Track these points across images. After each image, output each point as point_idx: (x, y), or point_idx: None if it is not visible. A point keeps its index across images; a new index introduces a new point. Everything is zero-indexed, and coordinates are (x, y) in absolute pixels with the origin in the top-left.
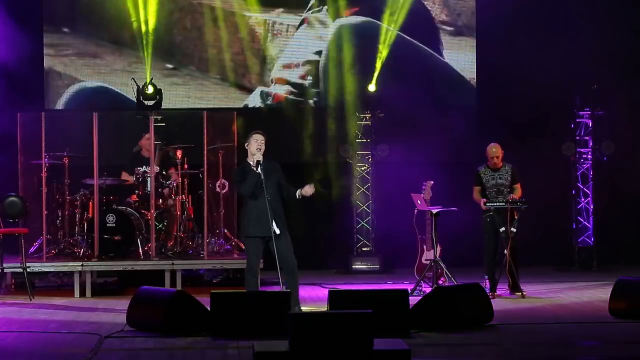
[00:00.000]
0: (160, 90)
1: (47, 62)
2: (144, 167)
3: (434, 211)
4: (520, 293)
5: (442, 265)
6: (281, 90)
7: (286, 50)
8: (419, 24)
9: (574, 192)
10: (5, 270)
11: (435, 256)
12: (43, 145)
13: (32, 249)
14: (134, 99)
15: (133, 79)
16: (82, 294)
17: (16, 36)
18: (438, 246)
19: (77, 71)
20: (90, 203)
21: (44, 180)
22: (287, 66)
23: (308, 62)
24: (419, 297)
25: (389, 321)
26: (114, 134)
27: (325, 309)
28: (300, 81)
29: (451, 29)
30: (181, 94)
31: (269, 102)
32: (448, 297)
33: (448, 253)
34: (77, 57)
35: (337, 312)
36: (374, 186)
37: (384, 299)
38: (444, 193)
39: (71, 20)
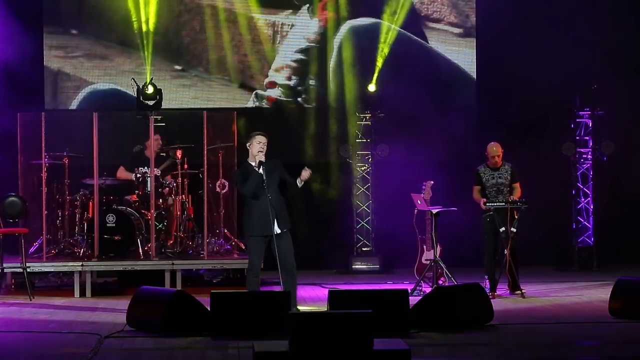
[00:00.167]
0: (160, 90)
1: (56, 64)
2: (145, 167)
3: (434, 211)
4: (520, 293)
5: (442, 265)
6: (273, 93)
7: (280, 52)
8: (419, 24)
9: (574, 192)
10: (5, 270)
11: (435, 256)
12: (43, 145)
13: (32, 249)
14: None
15: (133, 78)
16: (82, 294)
17: (16, 36)
18: (438, 246)
19: (86, 73)
20: (90, 203)
21: (44, 180)
22: (278, 69)
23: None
24: (419, 297)
25: (389, 321)
26: (114, 134)
27: (325, 309)
28: (287, 82)
29: (451, 29)
30: (189, 95)
31: (264, 104)
32: (448, 297)
33: (448, 253)
34: (86, 58)
35: (337, 312)
36: (374, 186)
37: (384, 299)
38: (444, 193)
39: (79, 22)
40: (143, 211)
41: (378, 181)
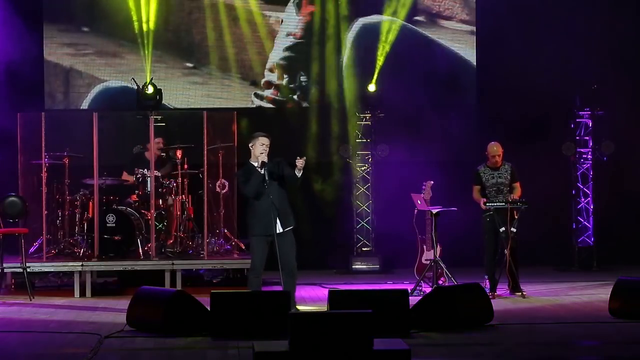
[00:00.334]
0: (160, 90)
1: (68, 62)
2: (146, 169)
3: (434, 211)
4: (520, 293)
5: (442, 265)
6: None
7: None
8: (419, 24)
9: (574, 192)
10: (5, 270)
11: (435, 256)
12: (43, 145)
13: (32, 249)
14: (170, 104)
15: (133, 78)
16: (82, 294)
17: (16, 35)
18: (438, 246)
19: (98, 71)
20: (90, 203)
21: (44, 180)
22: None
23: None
24: (419, 297)
25: (389, 321)
26: (114, 134)
27: (325, 309)
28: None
29: (452, 29)
30: (200, 93)
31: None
32: (448, 297)
33: (448, 253)
34: (97, 56)
35: (337, 312)
36: (374, 186)
37: (384, 299)
38: (444, 193)
39: (92, 19)
40: (143, 211)
41: (378, 181)
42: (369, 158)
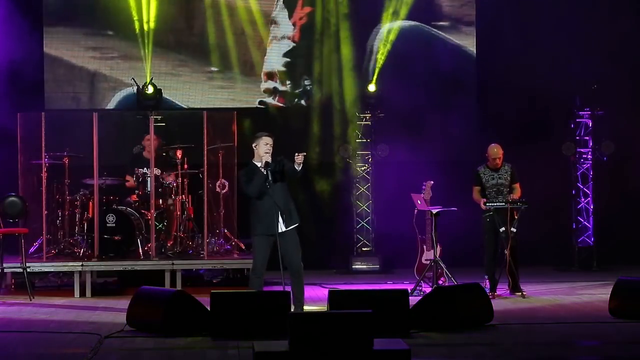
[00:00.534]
0: (160, 90)
1: (93, 65)
2: (145, 168)
3: (434, 211)
4: (520, 293)
5: (442, 265)
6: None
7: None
8: (419, 24)
9: (574, 192)
10: (5, 270)
11: (435, 256)
12: (43, 145)
13: (32, 249)
14: (180, 103)
15: (133, 78)
16: (82, 294)
17: (17, 34)
18: (438, 246)
19: (122, 74)
20: (90, 203)
21: (44, 180)
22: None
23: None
24: (419, 297)
25: (389, 321)
26: (114, 134)
27: (325, 309)
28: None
29: (452, 29)
30: (224, 97)
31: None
32: (448, 297)
33: (448, 253)
34: (122, 59)
35: (337, 312)
36: (374, 186)
37: (384, 299)
38: (444, 193)
39: (116, 23)
40: (143, 211)
41: (378, 181)
42: (369, 158)
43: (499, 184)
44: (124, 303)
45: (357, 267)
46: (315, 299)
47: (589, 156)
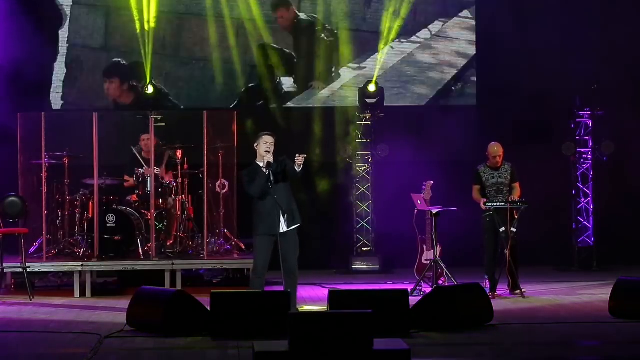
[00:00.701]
0: (160, 90)
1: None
2: (144, 167)
3: (434, 211)
4: (520, 293)
5: (442, 265)
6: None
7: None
8: (419, 24)
9: (574, 192)
10: (5, 270)
11: (435, 256)
12: (43, 145)
13: (32, 249)
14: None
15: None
16: (82, 294)
17: (19, 34)
18: (438, 246)
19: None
20: (90, 203)
21: (44, 180)
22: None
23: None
24: (419, 297)
25: (389, 321)
26: (114, 134)
27: (325, 309)
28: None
29: (452, 29)
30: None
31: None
32: (448, 297)
33: (448, 253)
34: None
35: (337, 312)
36: (374, 186)
37: (384, 299)
38: (444, 193)
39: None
40: (143, 211)
41: (378, 181)
42: (369, 158)
43: (499, 183)
44: (124, 303)
45: (357, 267)
46: (315, 299)
47: (589, 156)
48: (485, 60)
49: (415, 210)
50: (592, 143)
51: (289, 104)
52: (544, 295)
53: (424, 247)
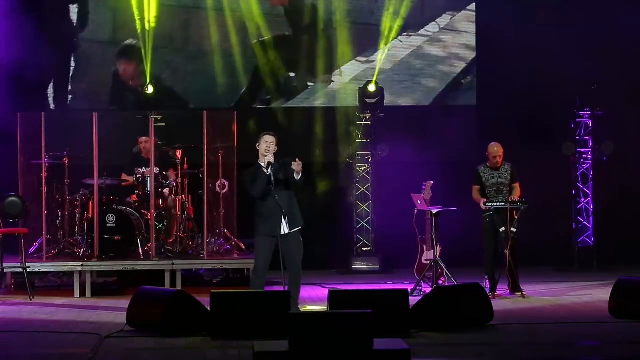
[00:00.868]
0: (160, 89)
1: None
2: (144, 168)
3: (434, 211)
4: (520, 293)
5: (442, 265)
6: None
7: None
8: (420, 23)
9: (574, 192)
10: (5, 270)
11: (435, 256)
12: (43, 145)
13: (32, 249)
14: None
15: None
16: (82, 294)
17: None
18: (438, 246)
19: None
20: (90, 203)
21: (44, 180)
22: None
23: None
24: (419, 297)
25: (389, 321)
26: (114, 134)
27: (325, 309)
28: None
29: (452, 29)
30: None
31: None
32: (448, 297)
33: (448, 253)
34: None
35: (337, 312)
36: (374, 186)
37: (384, 299)
38: (444, 193)
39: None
40: (143, 211)
41: (378, 181)
42: (369, 158)
43: (499, 183)
44: (124, 303)
45: (357, 267)
46: (315, 299)
47: (589, 156)
48: (485, 60)
49: (415, 210)
50: (592, 143)
51: (289, 104)
52: (544, 295)
53: (424, 247)
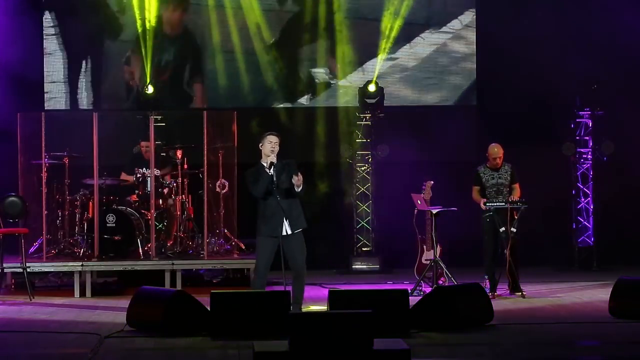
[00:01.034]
0: (160, 89)
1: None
2: (144, 168)
3: (434, 211)
4: (520, 293)
5: (442, 265)
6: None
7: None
8: (420, 23)
9: (574, 192)
10: (5, 270)
11: (435, 256)
12: (43, 145)
13: (32, 249)
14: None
15: (132, 79)
16: (82, 294)
17: (19, 34)
18: (438, 246)
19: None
20: (90, 203)
21: (44, 180)
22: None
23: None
24: (419, 297)
25: (389, 321)
26: (114, 134)
27: (325, 309)
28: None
29: (452, 28)
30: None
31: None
32: (448, 297)
33: (448, 253)
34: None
35: (337, 312)
36: (374, 186)
37: (384, 299)
38: (444, 193)
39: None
40: (143, 211)
41: (378, 181)
42: (369, 158)
43: (499, 184)
44: (124, 303)
45: (357, 267)
46: (315, 299)
47: (589, 156)
48: (485, 60)
49: (415, 210)
50: (592, 143)
51: (289, 104)
52: (544, 295)
53: (424, 247)
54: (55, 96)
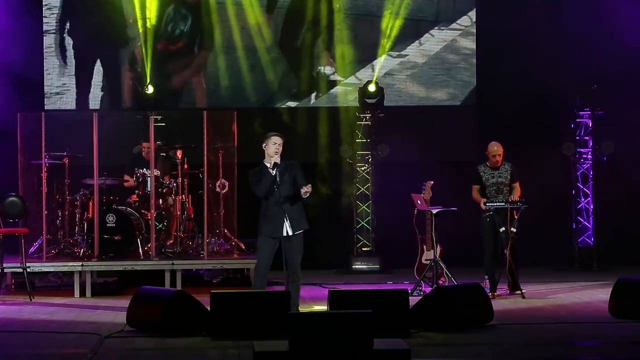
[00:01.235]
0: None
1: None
2: (144, 168)
3: (434, 211)
4: (520, 293)
5: (442, 265)
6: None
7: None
8: (420, 22)
9: (574, 192)
10: (5, 270)
11: (435, 256)
12: (43, 145)
13: (32, 249)
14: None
15: (133, 78)
16: (82, 294)
17: (18, 34)
18: (438, 246)
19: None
20: (90, 203)
21: (44, 180)
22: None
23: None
24: (419, 297)
25: (389, 321)
26: (114, 134)
27: (325, 309)
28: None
29: (452, 28)
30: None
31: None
32: (448, 297)
33: (448, 253)
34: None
35: (337, 312)
36: (374, 186)
37: (384, 299)
38: (444, 193)
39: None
40: (143, 211)
41: (378, 181)
42: (369, 158)
43: (499, 183)
44: (124, 303)
45: (357, 267)
46: (315, 299)
47: (589, 156)
48: (485, 60)
49: (415, 210)
50: (592, 143)
51: (289, 104)
52: (544, 295)
53: (424, 247)
54: (55, 96)
